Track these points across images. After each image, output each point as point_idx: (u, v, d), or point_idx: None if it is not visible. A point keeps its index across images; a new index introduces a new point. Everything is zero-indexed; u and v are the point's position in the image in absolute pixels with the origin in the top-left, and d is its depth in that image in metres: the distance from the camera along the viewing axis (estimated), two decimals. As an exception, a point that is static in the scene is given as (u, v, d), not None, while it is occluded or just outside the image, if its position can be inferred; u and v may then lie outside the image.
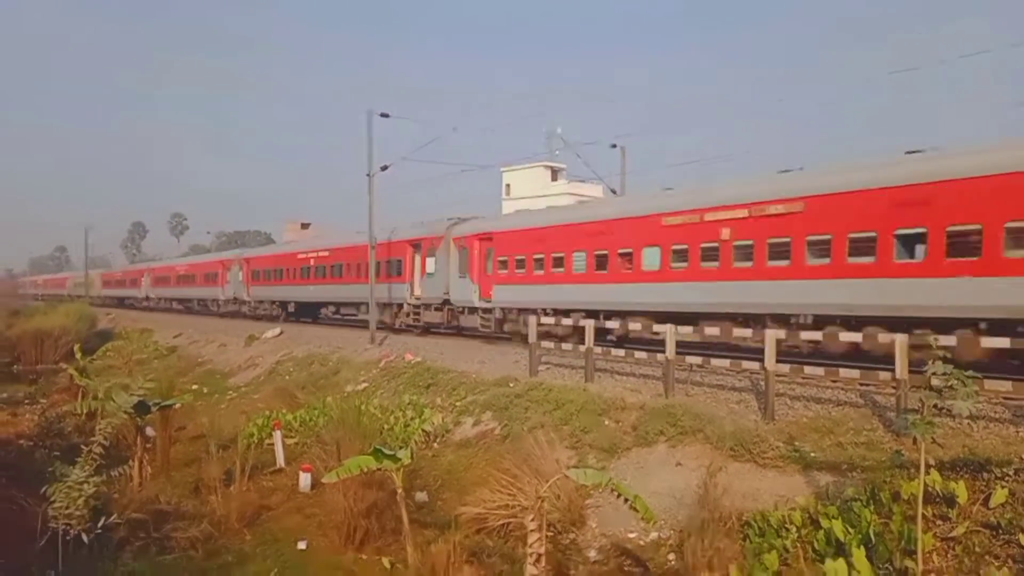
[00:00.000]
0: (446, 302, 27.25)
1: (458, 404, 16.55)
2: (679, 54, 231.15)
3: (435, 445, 14.93)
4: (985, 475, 8.55)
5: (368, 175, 27.14)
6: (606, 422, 13.24)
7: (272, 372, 26.17)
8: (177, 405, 15.50)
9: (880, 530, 8.06)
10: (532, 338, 17.37)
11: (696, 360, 14.22)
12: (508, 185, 68.95)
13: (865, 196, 14.52)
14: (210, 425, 16.25)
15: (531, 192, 59.54)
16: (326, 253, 37.48)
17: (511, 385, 16.41)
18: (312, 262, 38.76)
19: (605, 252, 20.30)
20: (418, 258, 29.05)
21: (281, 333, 32.77)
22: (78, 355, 22.35)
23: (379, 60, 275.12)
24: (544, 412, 14.20)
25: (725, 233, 16.97)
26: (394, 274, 30.30)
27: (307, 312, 42.38)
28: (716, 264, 17.21)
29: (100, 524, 9.73)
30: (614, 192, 30.95)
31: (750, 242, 16.50)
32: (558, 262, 21.95)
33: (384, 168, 27.87)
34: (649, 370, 16.07)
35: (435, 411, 15.89)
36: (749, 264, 16.52)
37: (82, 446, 10.77)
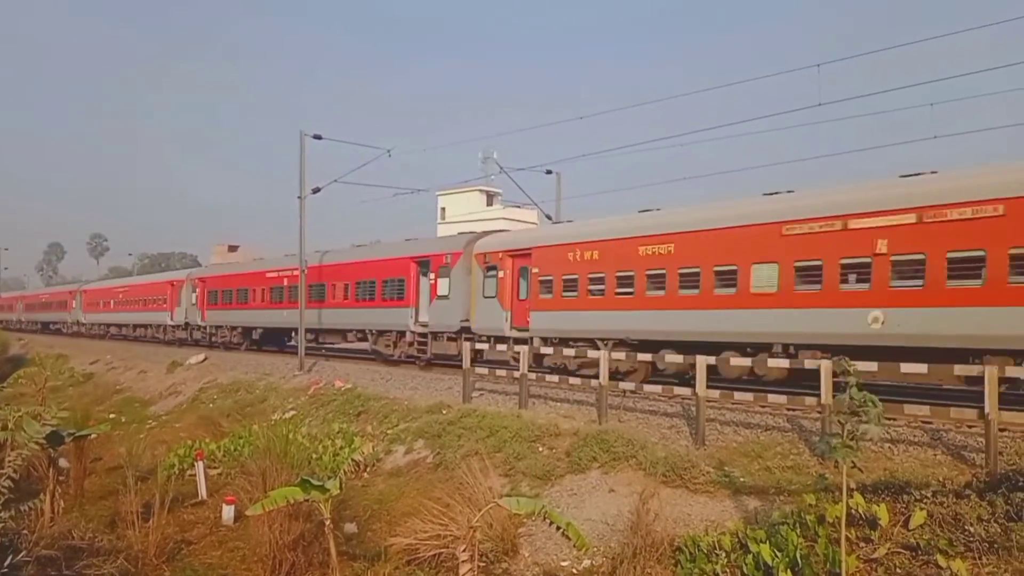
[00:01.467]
0: None
1: (389, 432, 16.30)
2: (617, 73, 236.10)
3: (365, 475, 14.63)
4: (905, 497, 8.81)
5: (299, 197, 26.73)
6: (540, 449, 13.21)
7: (195, 400, 25.35)
8: (93, 435, 14.81)
9: (806, 553, 8.20)
10: (466, 364, 17.27)
11: (629, 386, 14.35)
12: (443, 209, 68.96)
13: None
14: (128, 456, 15.57)
15: (466, 216, 59.64)
16: None
17: (444, 412, 16.25)
18: None
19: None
20: None
21: (205, 359, 31.82)
22: (-14, 383, 21.27)
23: (307, 82, 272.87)
24: (477, 439, 14.08)
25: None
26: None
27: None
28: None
29: (7, 563, 9.18)
30: (549, 217, 31.17)
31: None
32: None
33: (316, 191, 27.51)
34: (583, 396, 16.13)
35: (365, 439, 15.61)
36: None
37: (-12, 480, 10.18)
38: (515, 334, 21.04)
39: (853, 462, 6.84)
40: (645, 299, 17.57)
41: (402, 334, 25.92)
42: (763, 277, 15.21)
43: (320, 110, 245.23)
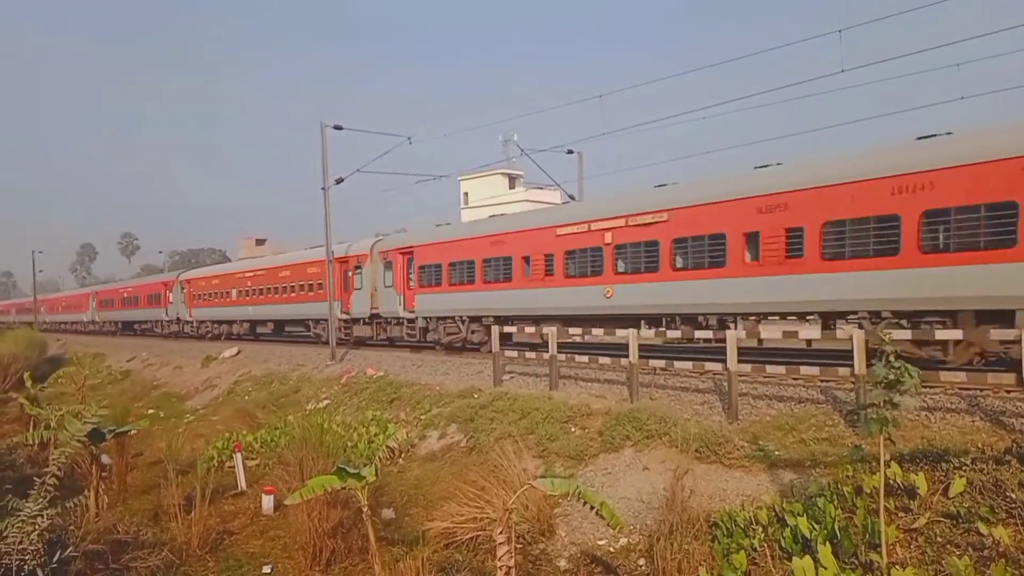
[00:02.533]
0: None
1: (422, 418, 16.42)
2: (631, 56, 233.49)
3: (400, 460, 14.77)
4: (943, 465, 8.69)
5: (323, 188, 26.87)
6: (572, 429, 13.23)
7: (231, 392, 25.73)
8: (133, 431, 15.09)
9: (845, 525, 8.14)
10: (495, 347, 17.31)
11: (659, 363, 14.31)
12: (466, 193, 68.91)
13: None
14: (168, 450, 15.85)
15: (489, 200, 59.56)
16: None
17: (475, 396, 16.32)
18: None
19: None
20: None
21: (239, 352, 32.24)
22: (28, 383, 21.72)
23: (339, 72, 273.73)
24: (510, 422, 14.14)
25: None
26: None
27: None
28: None
29: (56, 558, 9.37)
30: (572, 198, 31.01)
31: None
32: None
33: (339, 181, 27.60)
34: (613, 375, 16.12)
35: (399, 426, 15.74)
36: None
37: (35, 478, 10.40)
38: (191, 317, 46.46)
39: (887, 433, 6.76)
40: None
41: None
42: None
43: (338, 105, 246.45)
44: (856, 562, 7.63)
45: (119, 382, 33.75)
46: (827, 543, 7.80)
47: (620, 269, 18.72)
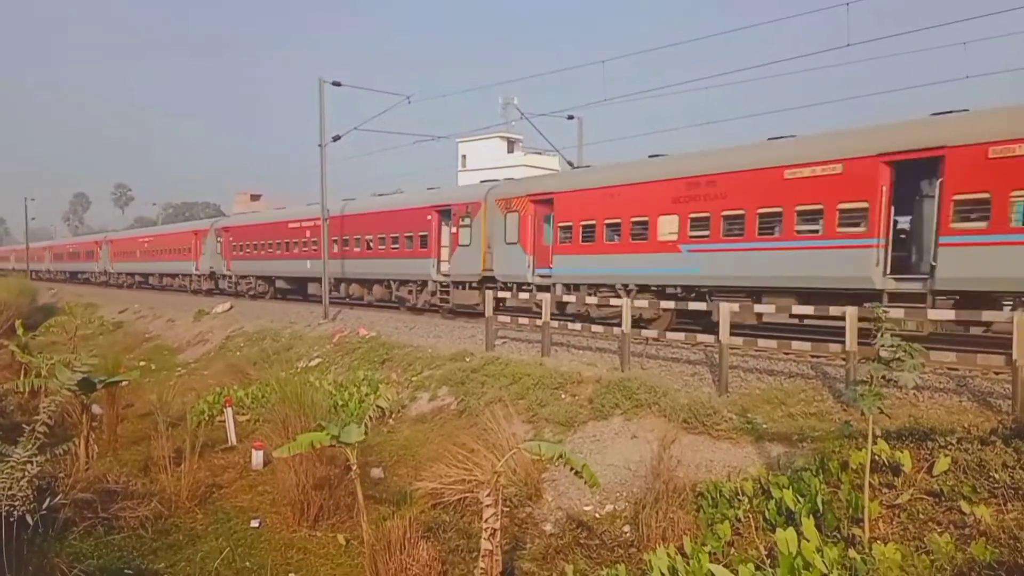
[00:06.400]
0: None
1: (414, 379, 16.47)
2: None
3: (391, 421, 14.85)
4: (929, 444, 8.76)
5: (320, 146, 26.64)
6: (562, 396, 13.29)
7: (223, 348, 25.73)
8: (124, 382, 15.10)
9: (829, 499, 8.22)
10: (488, 312, 17.31)
11: (651, 333, 14.33)
12: (464, 156, 68.46)
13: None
14: (159, 402, 15.87)
15: (488, 163, 59.18)
16: None
17: (467, 360, 16.36)
18: None
19: None
20: None
21: (231, 308, 32.18)
22: (19, 331, 21.65)
23: (340, 28, 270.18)
24: (500, 387, 14.19)
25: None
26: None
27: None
28: None
29: (45, 505, 9.41)
30: (571, 164, 30.79)
31: None
32: None
33: (336, 139, 27.36)
34: (605, 343, 16.15)
35: (390, 386, 15.77)
36: None
37: (25, 425, 10.43)
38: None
39: (880, 409, 6.80)
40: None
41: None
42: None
43: (338, 61, 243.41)
44: (839, 536, 7.72)
45: (111, 333, 33.71)
46: (811, 516, 7.87)
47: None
